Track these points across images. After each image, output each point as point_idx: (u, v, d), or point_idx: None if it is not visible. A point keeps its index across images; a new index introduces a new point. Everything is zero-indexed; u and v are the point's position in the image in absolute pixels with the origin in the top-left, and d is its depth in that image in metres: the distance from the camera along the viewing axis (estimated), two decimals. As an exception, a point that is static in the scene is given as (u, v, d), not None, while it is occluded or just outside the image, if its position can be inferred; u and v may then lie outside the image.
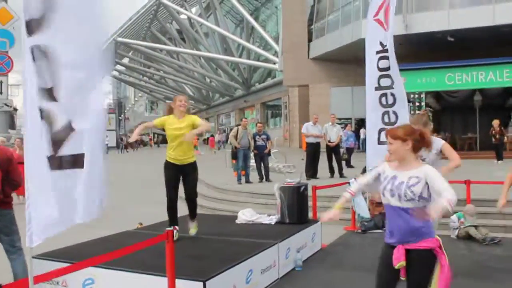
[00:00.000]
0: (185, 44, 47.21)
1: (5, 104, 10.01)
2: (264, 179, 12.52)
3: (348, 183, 7.90)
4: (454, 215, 7.22)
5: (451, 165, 4.73)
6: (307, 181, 8.99)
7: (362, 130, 22.72)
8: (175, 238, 5.06)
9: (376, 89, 7.28)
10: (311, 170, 12.51)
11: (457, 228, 7.23)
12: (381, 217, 7.70)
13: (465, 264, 5.76)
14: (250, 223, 6.79)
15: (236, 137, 12.36)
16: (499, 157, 16.42)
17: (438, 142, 4.74)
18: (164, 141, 39.65)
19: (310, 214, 7.21)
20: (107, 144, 44.92)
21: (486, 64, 18.21)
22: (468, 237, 7.03)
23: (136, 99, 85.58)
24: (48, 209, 2.97)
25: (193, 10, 48.51)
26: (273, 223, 6.71)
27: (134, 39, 45.21)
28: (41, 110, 2.99)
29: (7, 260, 4.63)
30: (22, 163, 3.25)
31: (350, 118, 24.95)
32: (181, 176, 5.72)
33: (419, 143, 3.07)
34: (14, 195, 5.26)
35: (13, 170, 4.45)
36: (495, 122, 16.46)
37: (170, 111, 5.68)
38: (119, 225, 7.06)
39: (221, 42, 42.31)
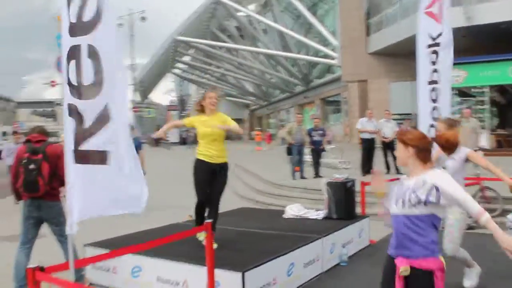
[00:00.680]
0: (244, 41, 47.61)
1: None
2: (316, 175, 12.50)
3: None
4: (510, 214, 6.92)
5: (494, 169, 4.60)
6: (362, 177, 8.87)
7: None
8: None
9: (428, 83, 7.14)
10: (367, 166, 12.40)
11: (514, 227, 6.93)
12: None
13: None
14: (297, 218, 6.87)
15: (290, 133, 12.44)
16: None
17: (463, 151, 4.61)
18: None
19: (359, 210, 7.18)
20: (168, 140, 46.55)
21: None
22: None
23: (198, 96, 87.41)
24: (80, 201, 3.24)
25: (251, 7, 48.79)
26: (320, 218, 6.75)
27: (193, 38, 46.04)
28: (69, 107, 3.30)
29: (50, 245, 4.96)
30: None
31: (410, 114, 24.26)
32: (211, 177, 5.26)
33: (422, 152, 2.83)
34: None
35: (61, 167, 4.55)
36: None
37: (200, 109, 5.39)
38: (171, 218, 7.34)
39: (280, 38, 42.31)
